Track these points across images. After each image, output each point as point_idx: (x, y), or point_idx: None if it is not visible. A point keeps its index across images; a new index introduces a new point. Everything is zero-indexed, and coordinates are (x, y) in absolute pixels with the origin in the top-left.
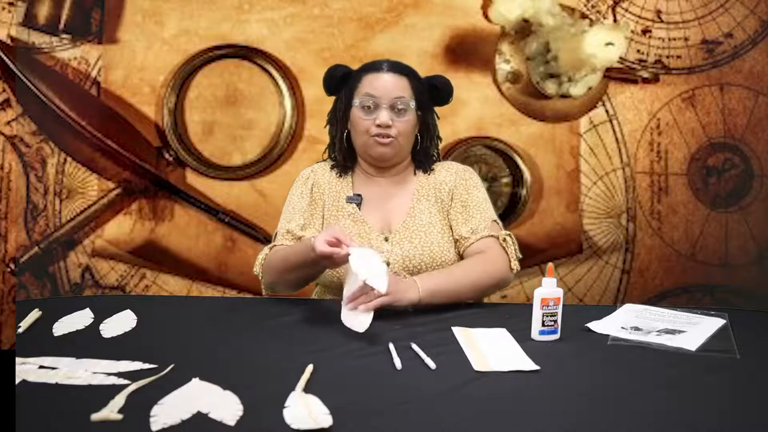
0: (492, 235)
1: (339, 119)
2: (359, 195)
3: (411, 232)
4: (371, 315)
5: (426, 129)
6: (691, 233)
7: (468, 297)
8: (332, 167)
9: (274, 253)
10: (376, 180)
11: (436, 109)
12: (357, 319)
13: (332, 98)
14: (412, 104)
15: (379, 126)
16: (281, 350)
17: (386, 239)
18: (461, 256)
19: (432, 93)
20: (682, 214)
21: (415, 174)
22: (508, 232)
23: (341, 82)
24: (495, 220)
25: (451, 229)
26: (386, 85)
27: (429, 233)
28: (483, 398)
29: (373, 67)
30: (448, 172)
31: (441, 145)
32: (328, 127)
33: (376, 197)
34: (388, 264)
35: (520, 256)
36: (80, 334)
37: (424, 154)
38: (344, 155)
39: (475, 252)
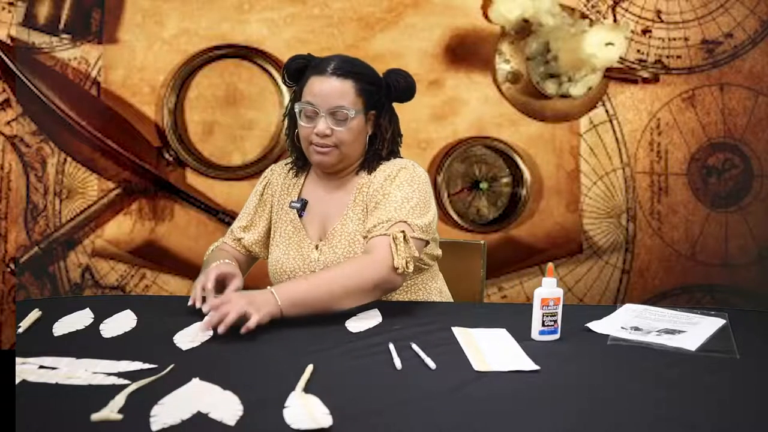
0: (386, 234)
1: (292, 117)
2: (303, 200)
3: (338, 241)
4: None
5: (378, 131)
6: (691, 233)
7: (341, 303)
8: (290, 167)
9: (210, 254)
10: (324, 183)
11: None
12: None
13: None
14: (353, 113)
15: (317, 135)
16: (281, 350)
17: (316, 247)
18: None
19: (388, 91)
20: (682, 214)
21: (357, 174)
22: (402, 230)
23: (298, 74)
24: (404, 221)
25: None
26: (326, 92)
27: (353, 242)
28: (483, 398)
29: (318, 68)
30: (383, 172)
31: (441, 145)
32: (285, 121)
33: (320, 203)
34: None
35: (415, 254)
36: (80, 334)
37: (374, 155)
38: (297, 155)
39: (365, 252)
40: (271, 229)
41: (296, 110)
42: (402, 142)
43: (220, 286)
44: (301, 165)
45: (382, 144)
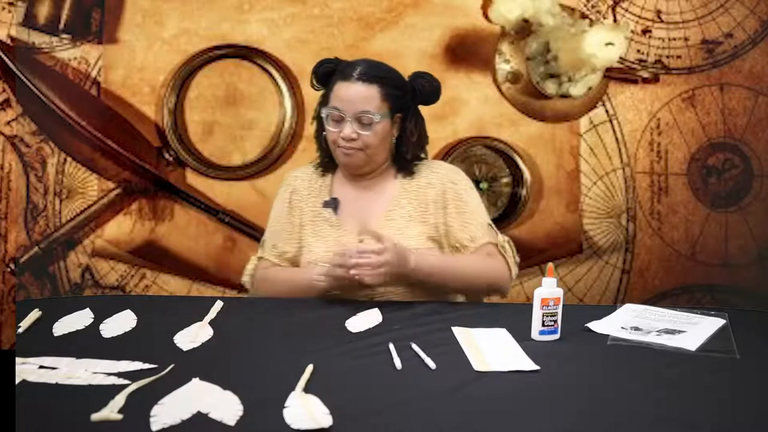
0: (490, 242)
1: (320, 120)
2: (336, 199)
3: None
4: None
5: (404, 133)
6: (691, 233)
7: (462, 286)
8: (316, 166)
9: (267, 273)
10: (354, 183)
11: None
12: None
13: None
14: (378, 117)
15: (343, 139)
16: (281, 350)
17: (361, 242)
18: None
19: (413, 94)
20: (682, 214)
21: (395, 177)
22: (506, 238)
23: (324, 78)
24: (489, 224)
25: (448, 235)
26: (352, 97)
27: (404, 238)
28: (483, 398)
29: (344, 74)
30: (435, 175)
31: (441, 145)
32: (314, 123)
33: (354, 200)
34: None
35: (518, 260)
36: (80, 334)
37: (401, 158)
38: (324, 155)
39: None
40: (301, 232)
41: (323, 115)
42: (428, 142)
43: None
44: (327, 164)
45: (407, 146)
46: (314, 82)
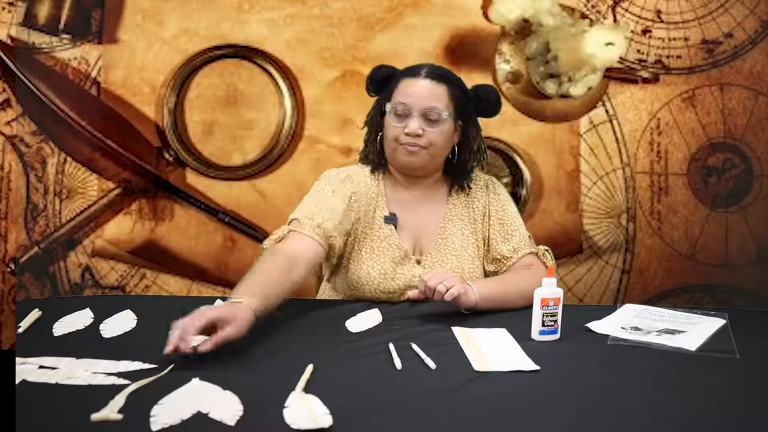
0: (532, 252)
1: (375, 122)
2: (394, 214)
3: (443, 255)
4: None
5: (465, 141)
6: (691, 233)
7: (516, 304)
8: (366, 164)
9: (274, 251)
10: (406, 191)
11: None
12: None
13: (336, 99)
14: (445, 114)
15: (408, 134)
16: (281, 350)
17: (418, 262)
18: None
19: (477, 104)
20: (682, 214)
21: (450, 194)
22: (546, 247)
23: (382, 83)
24: (529, 235)
25: (488, 246)
26: (420, 92)
27: (461, 257)
28: (483, 398)
29: (411, 71)
30: (478, 187)
31: None
32: (365, 129)
33: (409, 216)
34: None
35: (554, 265)
36: (80, 334)
37: (460, 168)
38: (377, 158)
39: (524, 267)
40: (356, 241)
41: (387, 110)
42: (486, 158)
43: (211, 330)
44: (377, 165)
45: (469, 155)
46: (371, 87)
